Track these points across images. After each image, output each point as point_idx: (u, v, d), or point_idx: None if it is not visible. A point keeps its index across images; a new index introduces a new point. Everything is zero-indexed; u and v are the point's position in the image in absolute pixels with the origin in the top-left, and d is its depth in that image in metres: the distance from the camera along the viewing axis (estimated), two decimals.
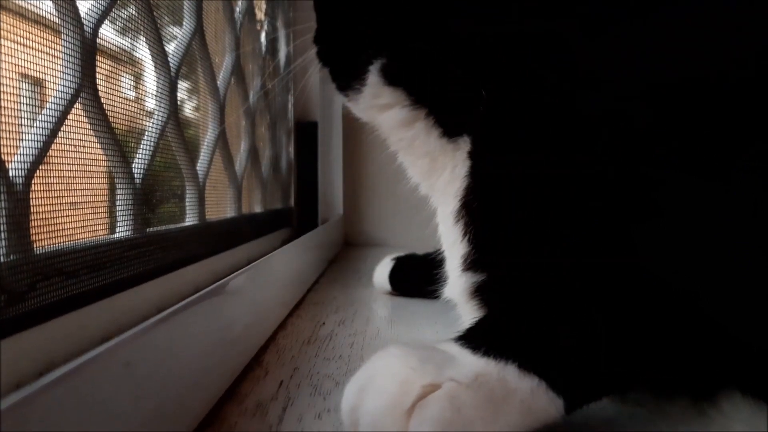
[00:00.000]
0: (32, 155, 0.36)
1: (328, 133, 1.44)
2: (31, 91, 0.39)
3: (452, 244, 0.53)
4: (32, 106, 0.39)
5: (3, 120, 0.34)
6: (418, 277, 0.86)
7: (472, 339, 0.42)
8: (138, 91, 0.59)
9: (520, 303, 0.45)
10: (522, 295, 0.46)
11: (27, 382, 0.30)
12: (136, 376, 0.35)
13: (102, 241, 0.44)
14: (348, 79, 0.56)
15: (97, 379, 0.32)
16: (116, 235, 0.47)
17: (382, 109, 0.55)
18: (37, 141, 0.37)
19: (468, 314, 0.52)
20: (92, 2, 0.44)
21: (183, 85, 0.63)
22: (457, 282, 0.53)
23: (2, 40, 0.35)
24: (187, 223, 0.63)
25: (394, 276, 0.89)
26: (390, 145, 0.60)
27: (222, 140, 0.73)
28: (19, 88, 0.38)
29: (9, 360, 0.30)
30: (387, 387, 0.38)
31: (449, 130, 0.53)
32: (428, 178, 0.57)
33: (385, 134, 0.58)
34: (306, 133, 1.26)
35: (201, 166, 0.66)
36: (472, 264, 0.50)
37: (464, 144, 0.51)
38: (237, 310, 0.56)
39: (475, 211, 0.50)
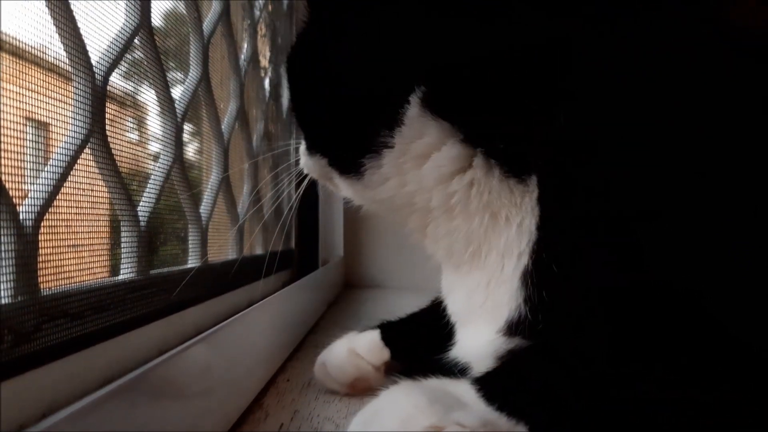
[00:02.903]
0: (42, 198, 0.37)
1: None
2: (43, 136, 0.41)
3: (488, 308, 0.48)
4: (44, 150, 0.40)
5: (15, 163, 0.35)
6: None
7: (488, 387, 0.41)
8: (145, 135, 0.61)
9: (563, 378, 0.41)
10: (568, 370, 0.41)
11: (30, 424, 0.30)
12: (138, 417, 0.35)
13: (106, 282, 0.45)
14: (371, 134, 0.48)
15: (100, 420, 0.32)
16: (120, 277, 0.47)
17: (424, 156, 0.47)
18: (48, 185, 0.38)
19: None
20: (103, 50, 0.46)
21: (188, 128, 0.64)
22: (483, 346, 0.47)
23: (18, 87, 0.36)
24: (189, 265, 0.63)
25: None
26: (420, 216, 0.51)
27: (225, 183, 0.74)
28: (32, 133, 0.39)
29: (12, 401, 0.30)
30: (389, 424, 0.38)
31: (515, 165, 0.45)
32: (481, 242, 0.48)
33: (421, 199, 0.49)
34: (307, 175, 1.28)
35: (204, 208, 0.67)
36: (522, 329, 0.45)
37: (532, 187, 0.45)
38: (237, 352, 0.56)
39: (544, 274, 0.43)
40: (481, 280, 0.49)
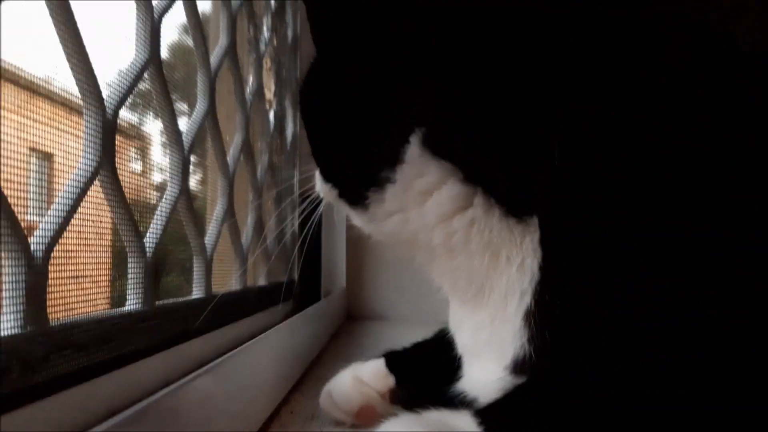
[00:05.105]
0: (53, 229, 0.37)
1: (332, 205, 1.45)
2: (53, 168, 0.41)
3: (493, 345, 0.48)
4: (54, 182, 0.40)
5: (26, 195, 0.36)
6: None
7: (490, 421, 0.41)
8: (152, 167, 0.61)
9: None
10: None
11: None
12: None
13: (113, 313, 0.45)
14: (374, 170, 0.49)
15: None
16: (126, 308, 0.47)
17: (426, 193, 0.48)
18: (58, 216, 0.38)
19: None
20: (114, 83, 0.47)
21: (194, 160, 0.65)
22: (491, 383, 0.47)
23: (30, 120, 0.37)
24: (194, 296, 0.63)
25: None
26: (425, 252, 0.51)
27: (230, 214, 0.74)
28: (42, 165, 0.39)
29: None
30: None
31: (515, 206, 0.46)
32: (483, 281, 0.48)
33: (424, 237, 0.49)
34: (310, 206, 1.28)
35: (209, 239, 0.67)
36: (528, 369, 0.45)
37: (533, 227, 0.45)
38: (241, 384, 0.56)
39: (547, 314, 0.44)
40: (485, 317, 0.49)
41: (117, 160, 0.46)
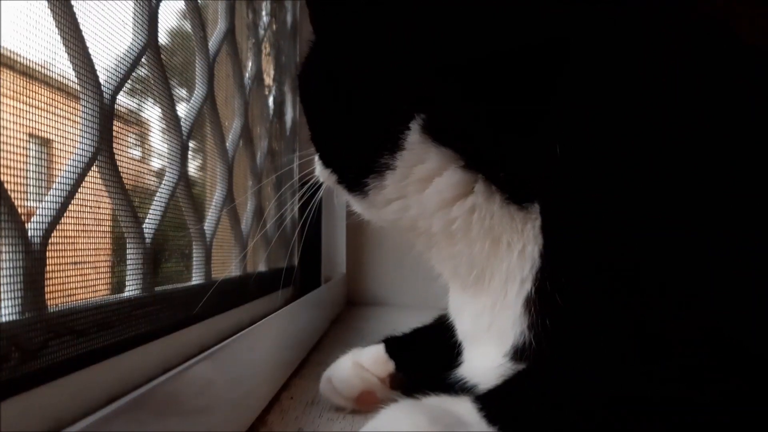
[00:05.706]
0: (50, 215, 0.37)
1: (332, 190, 1.45)
2: (50, 154, 0.41)
3: (494, 331, 0.48)
4: (52, 167, 0.40)
5: (24, 181, 0.35)
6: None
7: (491, 407, 0.41)
8: (150, 152, 0.61)
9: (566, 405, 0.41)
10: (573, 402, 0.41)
11: None
12: None
13: (112, 300, 0.45)
14: (373, 156, 0.48)
15: None
16: (126, 294, 0.47)
17: (425, 180, 0.47)
18: (56, 202, 0.38)
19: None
20: (111, 69, 0.46)
21: (193, 146, 0.65)
22: (491, 369, 0.47)
23: (27, 106, 0.36)
24: (193, 282, 0.63)
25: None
26: (425, 238, 0.51)
27: (229, 200, 0.74)
28: (40, 151, 0.39)
29: (18, 419, 0.30)
30: None
31: (516, 193, 0.46)
32: (484, 267, 0.48)
33: (424, 224, 0.49)
34: (310, 191, 1.28)
35: (208, 225, 0.67)
36: (528, 356, 0.45)
37: (535, 214, 0.45)
38: (241, 370, 0.56)
39: (547, 301, 0.44)
40: (486, 303, 0.49)
41: (115, 145, 0.45)
